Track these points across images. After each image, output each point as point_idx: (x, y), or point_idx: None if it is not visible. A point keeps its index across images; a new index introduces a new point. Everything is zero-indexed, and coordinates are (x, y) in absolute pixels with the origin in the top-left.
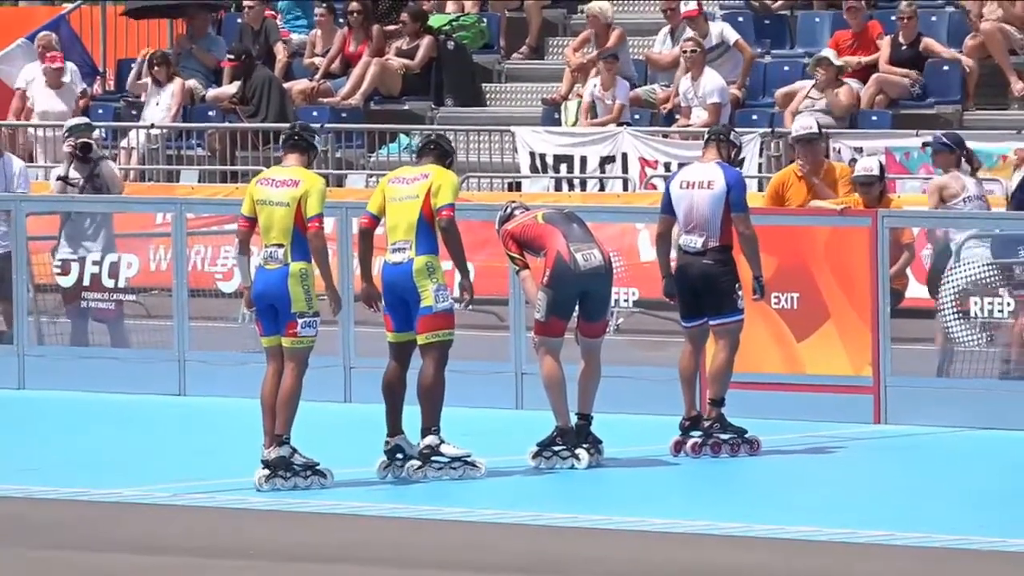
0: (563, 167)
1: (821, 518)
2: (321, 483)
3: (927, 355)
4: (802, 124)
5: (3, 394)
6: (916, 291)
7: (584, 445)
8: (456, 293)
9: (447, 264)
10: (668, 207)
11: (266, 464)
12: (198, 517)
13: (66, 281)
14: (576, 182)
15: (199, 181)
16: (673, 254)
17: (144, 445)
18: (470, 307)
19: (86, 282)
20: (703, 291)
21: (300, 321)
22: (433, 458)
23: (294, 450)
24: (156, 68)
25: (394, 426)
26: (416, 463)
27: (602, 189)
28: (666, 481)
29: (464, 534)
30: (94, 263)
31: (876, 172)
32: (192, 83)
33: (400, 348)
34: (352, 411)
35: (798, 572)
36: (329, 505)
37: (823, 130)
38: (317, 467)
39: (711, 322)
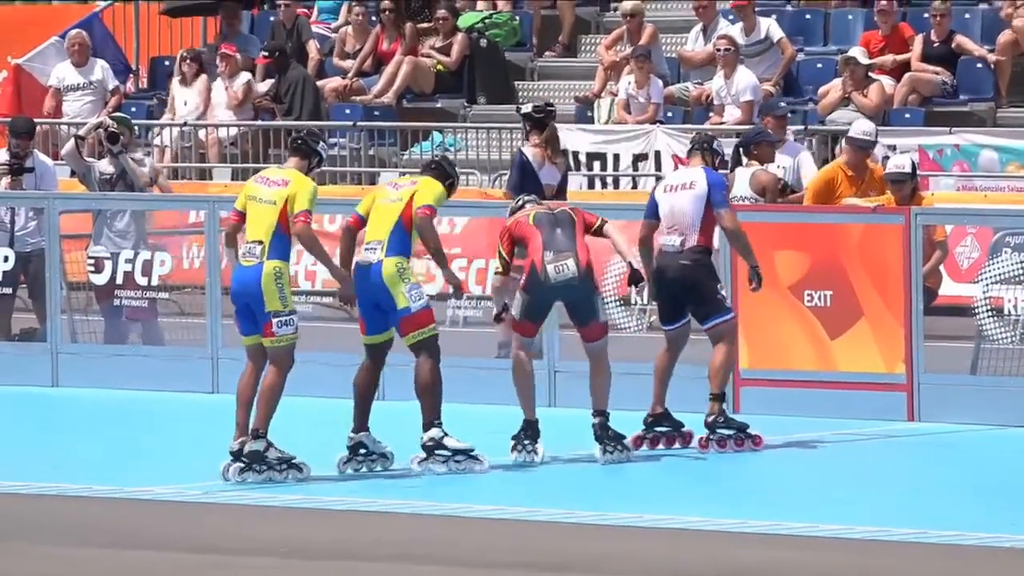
0: (596, 165)
1: (854, 516)
2: (297, 477)
3: (960, 353)
4: (864, 130)
5: (37, 391)
6: (949, 288)
7: (605, 442)
8: (446, 288)
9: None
10: (653, 212)
11: (235, 456)
12: (230, 515)
13: (99, 279)
14: (609, 180)
15: (232, 179)
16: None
17: (177, 443)
18: (463, 296)
19: (119, 280)
20: (681, 295)
21: (275, 321)
22: (437, 451)
23: (269, 444)
24: (186, 65)
25: (360, 423)
26: (420, 455)
27: (635, 187)
28: (695, 478)
29: (493, 531)
30: (127, 261)
31: (908, 170)
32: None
33: (374, 349)
34: (385, 408)
35: (830, 569)
36: (364, 503)
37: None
38: (293, 461)
39: (704, 326)
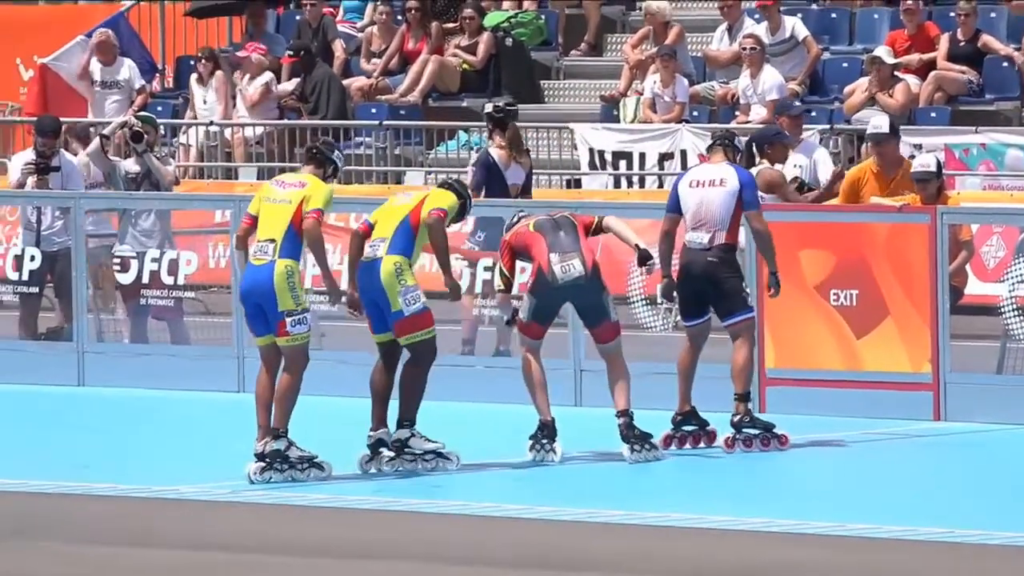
0: (622, 164)
1: (880, 515)
2: (319, 476)
3: (987, 352)
4: (874, 124)
5: (63, 391)
6: (975, 288)
7: (632, 441)
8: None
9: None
10: (675, 206)
11: (259, 457)
12: (256, 514)
13: (125, 278)
14: (635, 179)
15: (258, 178)
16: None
17: (203, 442)
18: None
19: (145, 279)
20: (707, 292)
21: (289, 320)
22: (405, 450)
23: (291, 443)
24: (202, 64)
25: (378, 420)
26: (390, 455)
27: (661, 186)
28: (721, 478)
29: (520, 530)
30: (153, 260)
31: (933, 169)
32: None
33: (383, 347)
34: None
35: (857, 569)
36: (389, 503)
37: (898, 130)
38: (315, 459)
39: (724, 322)
